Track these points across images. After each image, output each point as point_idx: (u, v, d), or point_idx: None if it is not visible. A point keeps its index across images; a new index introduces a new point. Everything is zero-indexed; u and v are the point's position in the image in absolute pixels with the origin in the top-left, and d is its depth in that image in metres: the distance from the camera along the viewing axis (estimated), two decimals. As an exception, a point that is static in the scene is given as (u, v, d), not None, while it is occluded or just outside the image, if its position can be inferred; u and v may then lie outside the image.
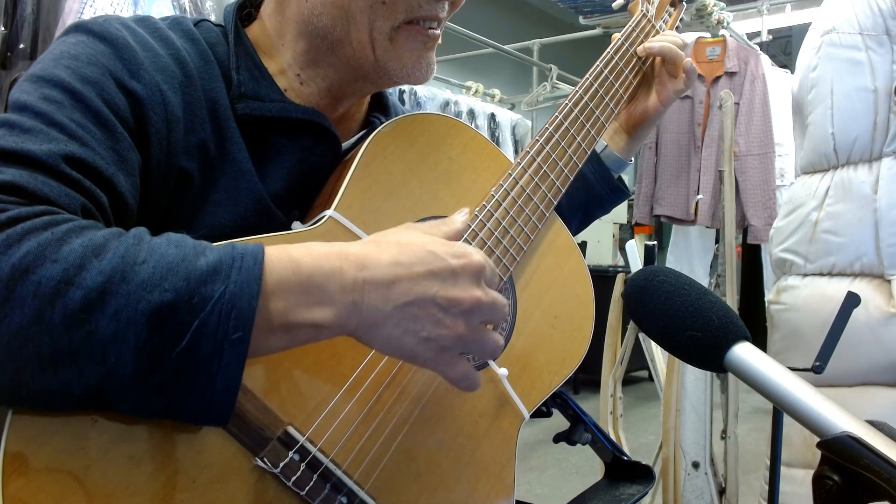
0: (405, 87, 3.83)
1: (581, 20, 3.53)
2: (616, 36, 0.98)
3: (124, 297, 0.49)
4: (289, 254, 0.55)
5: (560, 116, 0.86)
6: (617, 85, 0.93)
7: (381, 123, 0.84)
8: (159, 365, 0.50)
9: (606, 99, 0.91)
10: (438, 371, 0.62)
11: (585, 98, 0.89)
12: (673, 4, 1.05)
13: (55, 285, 0.48)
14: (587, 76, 0.91)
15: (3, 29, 1.98)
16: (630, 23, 0.99)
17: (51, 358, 0.48)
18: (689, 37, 3.41)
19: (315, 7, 0.73)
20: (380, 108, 0.89)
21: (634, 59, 0.96)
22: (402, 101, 3.79)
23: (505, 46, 4.56)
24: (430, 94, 4.05)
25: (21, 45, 2.01)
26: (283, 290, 0.54)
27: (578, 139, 0.87)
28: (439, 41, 0.78)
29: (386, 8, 0.72)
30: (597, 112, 0.89)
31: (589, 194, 1.03)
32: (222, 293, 0.51)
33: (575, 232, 1.06)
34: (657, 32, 1.01)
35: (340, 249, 0.58)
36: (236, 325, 0.51)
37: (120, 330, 0.49)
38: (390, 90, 0.90)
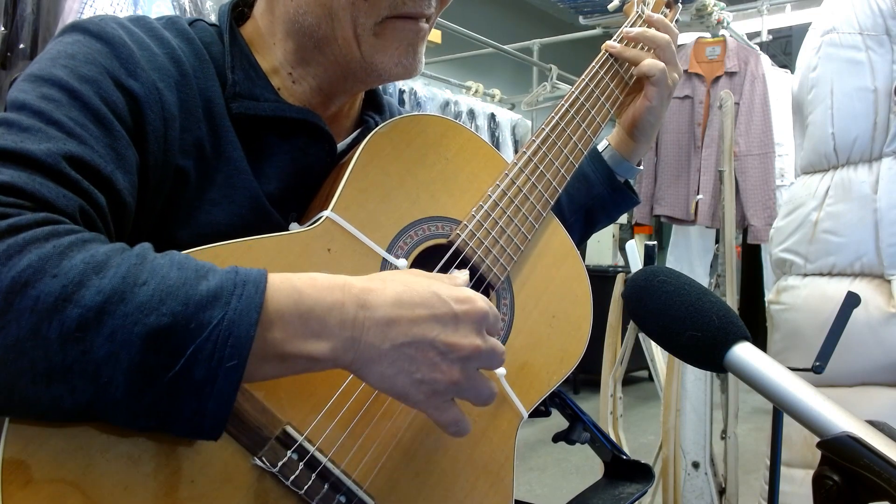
0: (405, 87, 3.82)
1: (581, 20, 3.53)
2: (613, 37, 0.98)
3: (121, 319, 0.49)
4: (292, 283, 0.55)
5: (556, 117, 0.86)
6: (613, 85, 0.93)
7: (375, 122, 0.84)
8: (151, 387, 0.50)
9: (602, 99, 0.91)
10: (428, 414, 0.62)
11: (581, 98, 0.89)
12: (668, 5, 1.05)
13: (54, 301, 0.48)
14: (583, 76, 0.91)
15: (3, 29, 1.98)
16: (625, 24, 0.99)
17: (44, 373, 0.48)
18: (689, 37, 3.41)
19: (300, 6, 0.74)
20: (374, 106, 0.89)
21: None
22: (403, 102, 3.78)
23: (505, 46, 4.56)
24: (430, 94, 4.04)
25: (21, 45, 2.01)
26: (283, 320, 0.54)
27: (575, 139, 0.87)
28: (429, 34, 0.77)
29: (368, 4, 0.72)
30: (592, 112, 0.90)
31: (590, 194, 1.02)
32: (221, 319, 0.51)
33: (579, 240, 1.02)
34: (639, 19, 1.00)
35: (344, 282, 0.57)
36: (232, 353, 0.51)
37: (114, 351, 0.48)
38: (390, 90, 0.90)
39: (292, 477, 0.59)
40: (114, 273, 0.50)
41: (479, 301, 0.62)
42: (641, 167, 1.05)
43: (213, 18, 0.82)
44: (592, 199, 1.02)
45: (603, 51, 0.95)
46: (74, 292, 0.48)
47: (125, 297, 0.49)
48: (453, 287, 0.62)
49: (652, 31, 0.96)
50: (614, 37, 0.97)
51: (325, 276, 0.58)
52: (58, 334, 0.48)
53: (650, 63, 0.93)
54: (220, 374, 0.50)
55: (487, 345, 0.61)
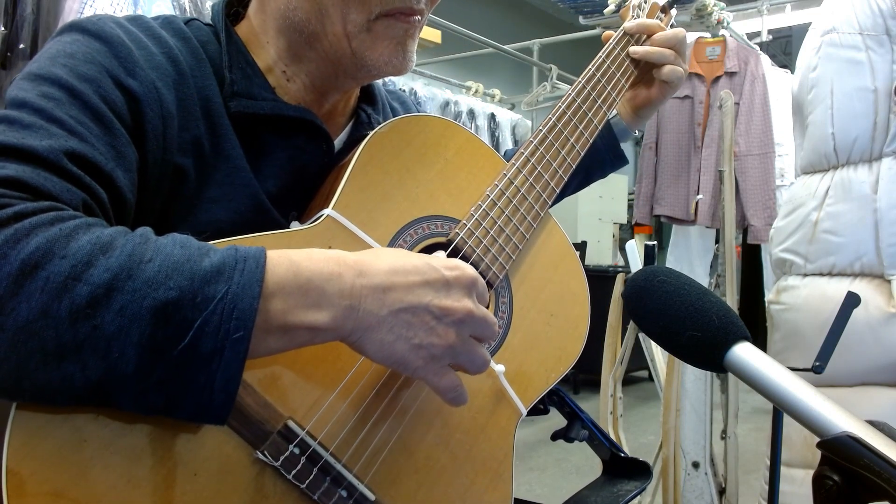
0: (405, 88, 3.83)
1: (581, 20, 3.53)
2: (608, 36, 1.01)
3: (130, 294, 0.50)
4: (289, 257, 0.56)
5: (553, 118, 0.88)
6: (609, 88, 0.95)
7: (368, 114, 0.85)
8: (161, 361, 0.50)
9: (599, 102, 0.93)
10: (427, 381, 0.63)
11: (578, 101, 0.91)
12: (663, 10, 1.07)
13: (63, 281, 0.49)
14: (580, 79, 0.93)
15: (3, 29, 1.98)
16: (622, 28, 1.01)
17: (55, 351, 0.49)
18: (689, 37, 3.41)
19: (290, 2, 0.74)
20: (367, 99, 0.89)
21: (626, 63, 0.99)
22: (403, 101, 3.77)
23: (505, 46, 4.57)
24: (430, 94, 4.05)
25: (21, 45, 2.01)
26: (283, 291, 0.55)
27: (572, 140, 0.88)
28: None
29: (358, 1, 0.72)
30: (589, 114, 0.91)
31: (593, 158, 1.06)
32: (225, 293, 0.52)
33: (573, 192, 1.12)
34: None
35: (339, 255, 0.59)
36: (237, 325, 0.52)
37: (124, 325, 0.49)
38: (390, 87, 0.90)
39: (294, 471, 0.60)
40: (120, 252, 0.51)
41: (468, 268, 0.64)
42: (637, 133, 1.14)
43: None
44: (594, 161, 1.08)
45: (599, 55, 0.97)
46: (83, 271, 0.49)
47: (133, 274, 0.50)
48: (442, 257, 0.64)
49: (658, 53, 1.01)
50: (612, 39, 0.99)
51: (320, 250, 0.59)
52: (68, 312, 0.49)
53: (671, 69, 1.00)
54: (226, 346, 0.51)
55: (480, 311, 0.63)
